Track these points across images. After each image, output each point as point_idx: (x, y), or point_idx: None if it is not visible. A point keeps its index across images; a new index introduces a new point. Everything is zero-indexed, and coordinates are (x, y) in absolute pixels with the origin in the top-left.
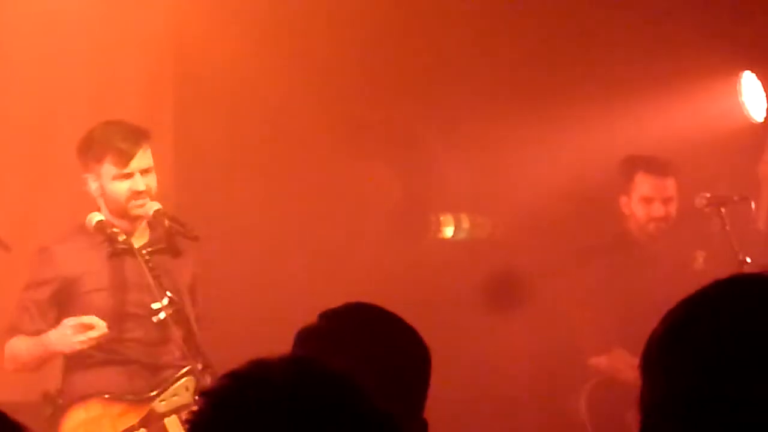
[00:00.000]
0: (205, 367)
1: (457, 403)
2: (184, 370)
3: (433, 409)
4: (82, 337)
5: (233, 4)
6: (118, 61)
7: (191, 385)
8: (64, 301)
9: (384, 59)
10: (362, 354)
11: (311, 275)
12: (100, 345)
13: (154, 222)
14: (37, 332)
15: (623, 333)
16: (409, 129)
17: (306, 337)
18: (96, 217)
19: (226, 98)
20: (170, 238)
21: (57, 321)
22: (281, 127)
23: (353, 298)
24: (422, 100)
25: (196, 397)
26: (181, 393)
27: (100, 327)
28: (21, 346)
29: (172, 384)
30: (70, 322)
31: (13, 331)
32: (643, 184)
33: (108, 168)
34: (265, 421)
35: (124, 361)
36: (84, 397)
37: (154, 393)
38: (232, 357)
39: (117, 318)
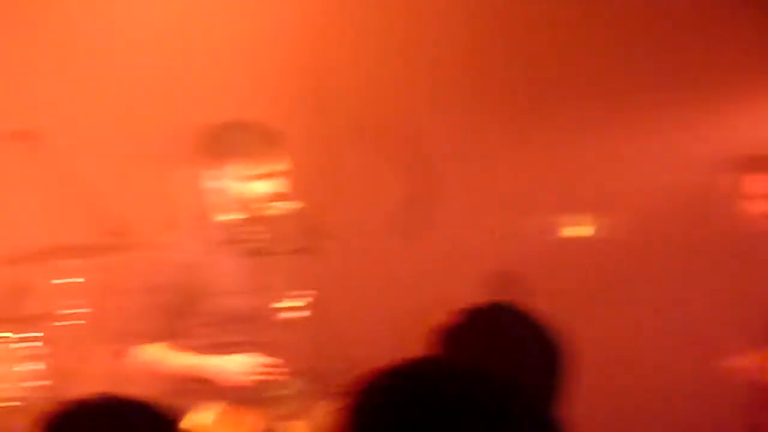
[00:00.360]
0: (326, 371)
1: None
2: (301, 374)
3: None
4: (250, 377)
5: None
6: (248, 59)
7: (307, 389)
8: (189, 306)
9: (497, 59)
10: (504, 350)
11: (442, 274)
12: (222, 341)
13: (286, 221)
14: (158, 338)
15: (748, 331)
16: (524, 129)
17: (448, 334)
18: (225, 216)
19: (354, 98)
20: (303, 238)
21: (180, 327)
22: (412, 125)
23: (478, 297)
24: (537, 100)
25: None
26: (294, 399)
27: (267, 368)
28: (161, 356)
29: (289, 387)
30: (239, 359)
31: (138, 337)
32: (756, 182)
33: (239, 168)
34: (434, 420)
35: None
36: (208, 399)
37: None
38: (369, 356)
39: (246, 319)
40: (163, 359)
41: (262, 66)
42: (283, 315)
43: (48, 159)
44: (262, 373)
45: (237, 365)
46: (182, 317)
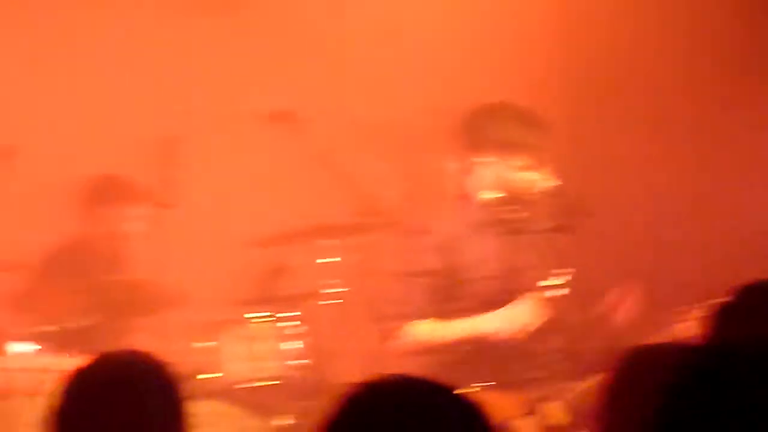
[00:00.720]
0: (583, 351)
1: None
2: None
3: None
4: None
5: None
6: (507, 42)
7: (568, 368)
8: (452, 287)
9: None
10: None
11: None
12: None
13: (545, 200)
14: (424, 317)
15: None
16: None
17: (725, 313)
18: (487, 195)
19: (611, 81)
20: (564, 216)
21: (444, 308)
22: (662, 108)
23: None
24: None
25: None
26: (553, 379)
27: (538, 315)
28: (433, 330)
29: (551, 368)
30: (508, 311)
31: (404, 318)
32: None
33: (500, 149)
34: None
35: (512, 347)
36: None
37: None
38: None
39: (507, 299)
40: (436, 332)
41: (521, 48)
42: (545, 293)
43: (307, 139)
44: (531, 324)
45: (509, 318)
46: (446, 298)
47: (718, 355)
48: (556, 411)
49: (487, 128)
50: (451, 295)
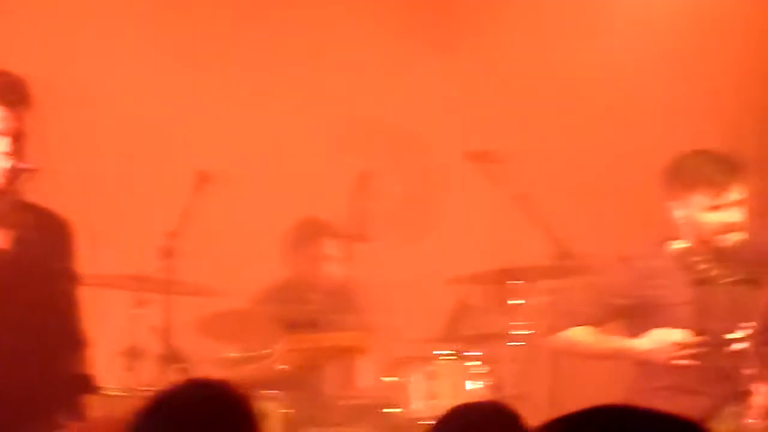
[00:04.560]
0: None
1: None
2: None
3: None
4: (680, 353)
5: None
6: (702, 87)
7: (735, 411)
8: (635, 311)
9: None
10: None
11: None
12: (675, 369)
13: (736, 252)
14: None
15: None
16: None
17: None
18: (678, 244)
19: None
20: (752, 269)
21: (623, 329)
22: None
23: None
24: None
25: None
26: (726, 420)
27: (692, 347)
28: (589, 340)
29: (719, 410)
30: (669, 334)
31: (572, 320)
32: None
33: (699, 198)
34: None
35: (694, 391)
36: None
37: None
38: None
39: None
40: (589, 340)
41: (718, 93)
42: (732, 346)
43: (505, 180)
44: (687, 351)
45: (653, 341)
46: (629, 316)
47: None
48: None
49: (690, 174)
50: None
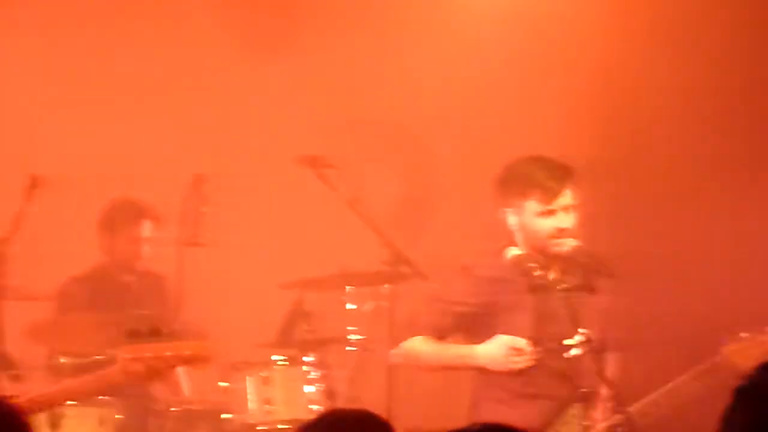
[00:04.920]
0: (618, 406)
1: None
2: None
3: None
4: (518, 359)
5: (663, 32)
6: (538, 92)
7: (580, 412)
8: (477, 320)
9: None
10: None
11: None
12: (515, 375)
13: (570, 258)
14: (434, 334)
15: None
16: None
17: (750, 390)
18: (513, 251)
19: (645, 132)
20: (586, 275)
21: (464, 339)
22: (704, 157)
23: None
24: None
25: (585, 423)
26: (570, 421)
27: (529, 353)
28: (427, 348)
29: (562, 412)
30: (505, 340)
31: (414, 330)
32: None
33: (532, 204)
34: None
35: (536, 395)
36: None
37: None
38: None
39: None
40: (430, 350)
41: (551, 99)
42: (570, 351)
43: (338, 185)
44: (524, 355)
45: (491, 349)
46: (471, 325)
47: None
48: None
49: (522, 181)
50: (474, 333)
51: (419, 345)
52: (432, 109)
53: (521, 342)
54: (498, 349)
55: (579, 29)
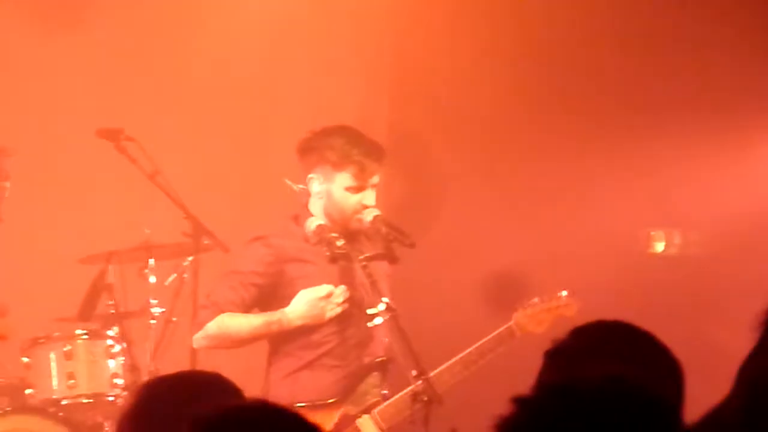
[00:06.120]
0: (420, 374)
1: None
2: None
3: None
4: (328, 306)
5: (451, 7)
6: (336, 62)
7: (377, 381)
8: (275, 292)
9: (597, 65)
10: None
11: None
12: (309, 344)
13: (371, 228)
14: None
15: None
16: (618, 140)
17: (559, 353)
18: (315, 221)
19: (442, 103)
20: (387, 245)
21: (264, 309)
22: (499, 131)
23: None
24: (634, 110)
25: (384, 392)
26: (370, 391)
27: (337, 295)
28: (240, 322)
29: (361, 381)
30: (309, 292)
31: (216, 309)
32: None
33: (344, 177)
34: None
35: (332, 365)
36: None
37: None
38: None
39: (332, 321)
40: (237, 323)
41: (351, 71)
42: (373, 320)
43: (134, 158)
44: (328, 304)
45: (302, 305)
46: (269, 298)
47: (554, 396)
48: (367, 426)
49: (338, 153)
50: (273, 301)
51: (227, 320)
52: (231, 78)
53: (325, 289)
54: (306, 302)
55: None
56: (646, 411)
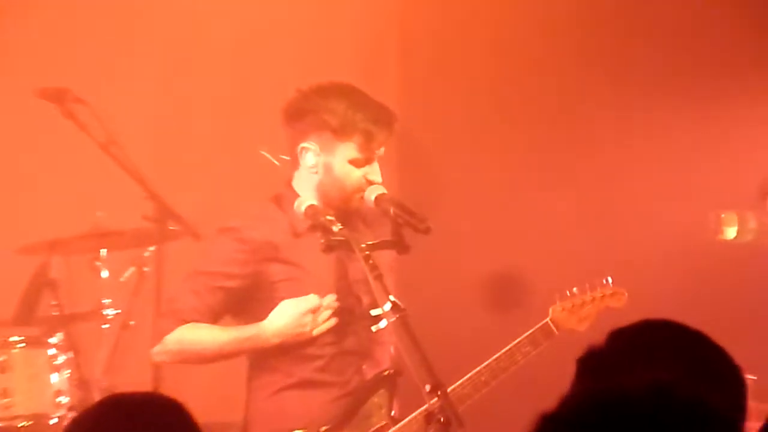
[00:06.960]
0: (435, 388)
1: None
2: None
3: None
4: (312, 321)
5: None
6: (339, 29)
7: (384, 400)
8: (252, 295)
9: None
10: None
11: (546, 275)
12: (301, 358)
13: (376, 209)
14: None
15: None
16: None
17: (595, 360)
18: (306, 201)
19: (450, 75)
20: (396, 231)
21: (239, 316)
22: (510, 105)
23: None
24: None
25: (392, 413)
26: (375, 413)
27: (325, 307)
28: (204, 336)
29: (364, 402)
30: (291, 303)
31: (177, 318)
32: None
33: (347, 148)
34: None
35: (327, 383)
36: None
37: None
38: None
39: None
40: (202, 338)
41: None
42: (374, 324)
43: (84, 124)
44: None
45: (283, 319)
46: (243, 304)
47: (591, 410)
48: None
49: (342, 120)
50: (249, 309)
51: (188, 334)
52: (204, 26)
53: (311, 300)
54: (288, 316)
55: None
56: (700, 426)
